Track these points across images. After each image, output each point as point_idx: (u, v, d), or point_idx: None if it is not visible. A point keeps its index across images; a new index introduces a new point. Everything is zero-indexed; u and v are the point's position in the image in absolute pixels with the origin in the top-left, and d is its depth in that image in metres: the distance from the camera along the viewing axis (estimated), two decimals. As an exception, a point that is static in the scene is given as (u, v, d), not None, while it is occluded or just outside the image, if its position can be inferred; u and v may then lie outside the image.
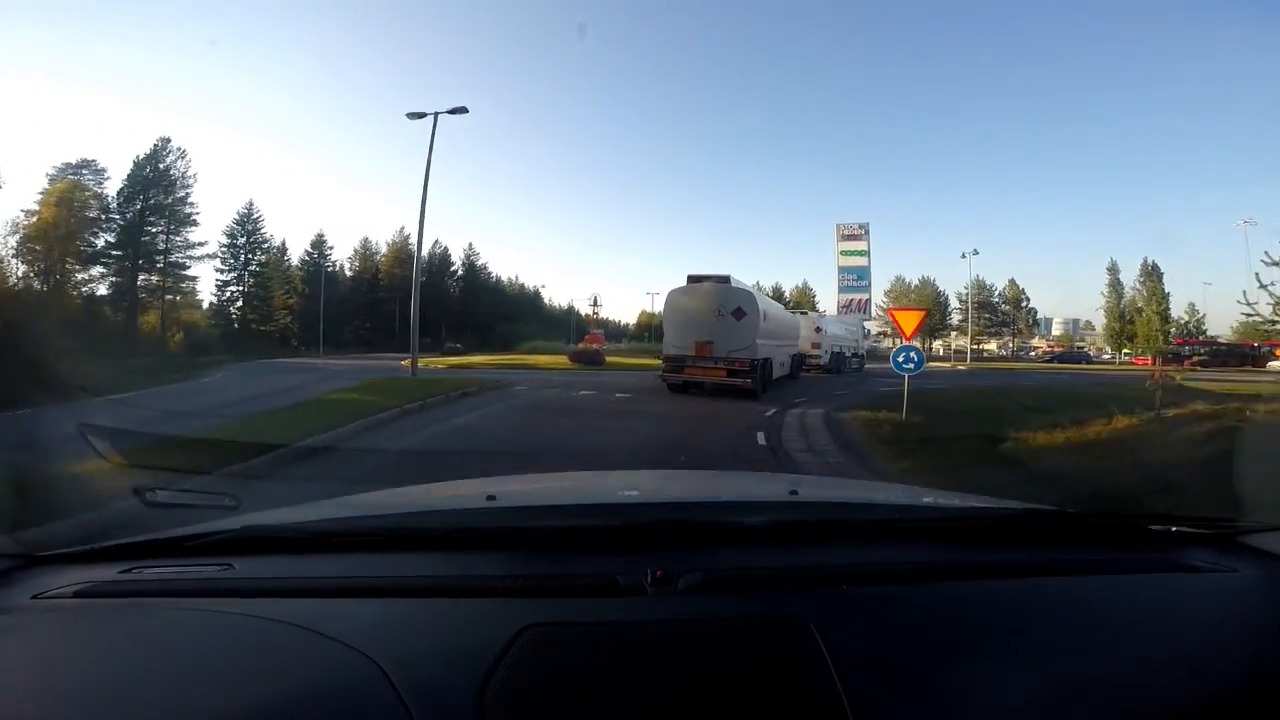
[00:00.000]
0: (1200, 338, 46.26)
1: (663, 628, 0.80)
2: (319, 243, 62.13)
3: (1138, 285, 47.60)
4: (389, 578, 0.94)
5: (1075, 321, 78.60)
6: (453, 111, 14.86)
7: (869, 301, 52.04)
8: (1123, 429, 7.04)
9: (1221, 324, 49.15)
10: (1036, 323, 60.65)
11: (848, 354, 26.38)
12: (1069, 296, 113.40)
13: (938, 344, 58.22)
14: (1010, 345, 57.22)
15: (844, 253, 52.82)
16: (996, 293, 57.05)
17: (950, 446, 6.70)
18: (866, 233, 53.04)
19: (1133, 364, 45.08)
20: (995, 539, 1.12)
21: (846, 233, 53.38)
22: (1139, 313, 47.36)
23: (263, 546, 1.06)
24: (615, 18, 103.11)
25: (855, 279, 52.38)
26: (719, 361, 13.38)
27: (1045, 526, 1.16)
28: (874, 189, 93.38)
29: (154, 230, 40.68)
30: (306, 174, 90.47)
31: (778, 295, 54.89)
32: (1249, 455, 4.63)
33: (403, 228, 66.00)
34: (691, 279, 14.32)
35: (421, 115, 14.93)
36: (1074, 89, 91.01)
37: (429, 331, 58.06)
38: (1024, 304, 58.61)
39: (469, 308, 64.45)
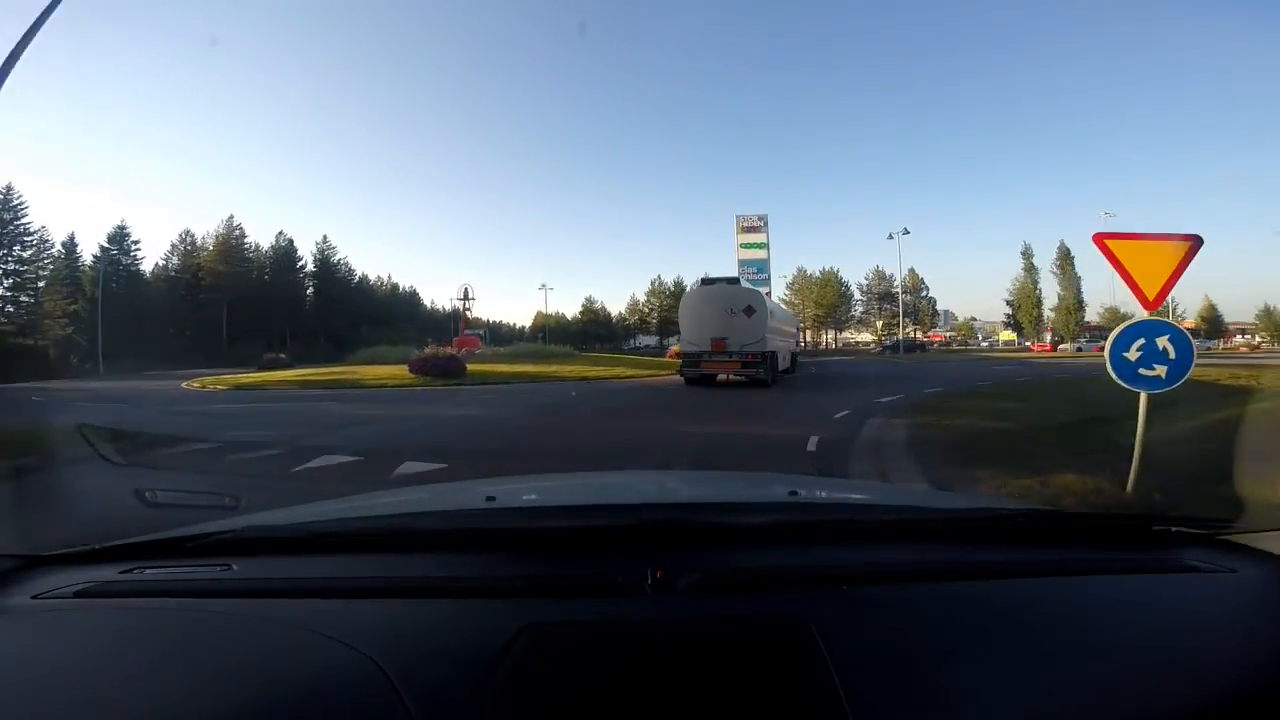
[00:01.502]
0: (1087, 324, 48.41)
1: (663, 628, 0.80)
2: (120, 236, 50.29)
3: (1054, 270, 48.83)
4: (389, 578, 0.93)
5: (946, 312, 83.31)
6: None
7: (769, 295, 50.15)
8: None
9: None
10: (937, 313, 61.80)
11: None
12: (951, 288, 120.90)
13: (843, 335, 57.32)
14: (896, 336, 57.18)
15: (744, 245, 51.16)
16: (896, 282, 57.18)
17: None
18: (765, 224, 51.85)
19: (1030, 350, 45.92)
20: (995, 539, 1.10)
21: (746, 225, 51.99)
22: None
23: (263, 547, 1.06)
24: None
25: (755, 272, 50.90)
26: (733, 355, 14.74)
27: (1045, 526, 1.15)
28: (772, 181, 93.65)
29: None
30: (108, 156, 75.26)
31: (679, 290, 52.37)
32: (1248, 453, 3.98)
33: (231, 216, 55.43)
34: (705, 281, 16.15)
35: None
36: (961, 82, 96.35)
37: (269, 338, 48.34)
38: (924, 293, 59.32)
39: (324, 310, 55.26)
